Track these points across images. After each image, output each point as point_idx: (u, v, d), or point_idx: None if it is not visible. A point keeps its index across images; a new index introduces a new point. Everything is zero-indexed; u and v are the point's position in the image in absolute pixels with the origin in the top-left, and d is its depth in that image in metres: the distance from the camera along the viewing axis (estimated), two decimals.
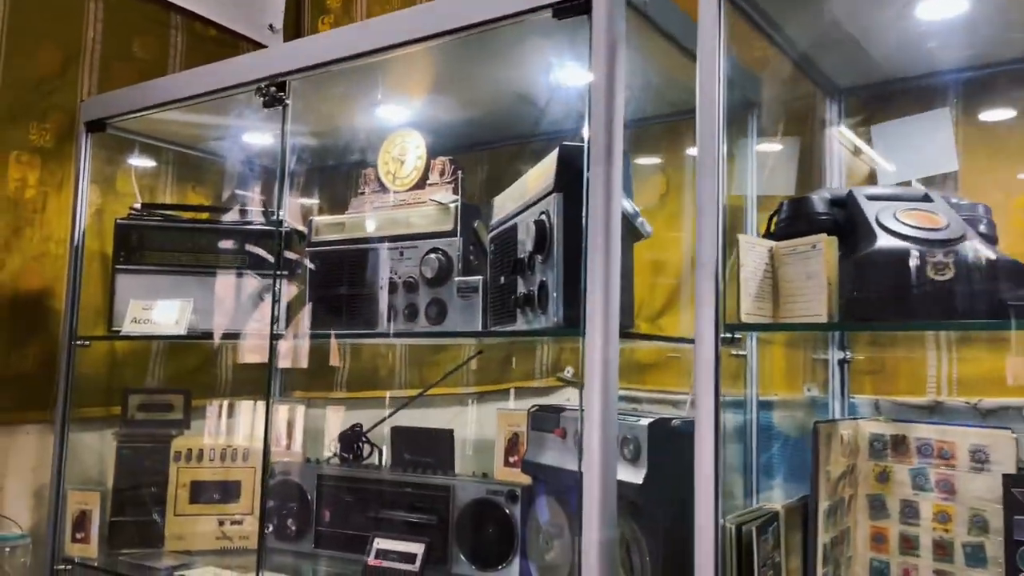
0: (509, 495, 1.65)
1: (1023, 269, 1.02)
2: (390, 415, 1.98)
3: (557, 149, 1.22)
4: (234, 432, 2.05)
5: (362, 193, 1.87)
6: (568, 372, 1.91)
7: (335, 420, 2.22)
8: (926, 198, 1.18)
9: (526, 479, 1.66)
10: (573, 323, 1.19)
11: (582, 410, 1.15)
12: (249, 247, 1.90)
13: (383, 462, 1.95)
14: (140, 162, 2.13)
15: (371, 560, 1.67)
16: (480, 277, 1.59)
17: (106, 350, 2.05)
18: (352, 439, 1.96)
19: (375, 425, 1.98)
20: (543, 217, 1.24)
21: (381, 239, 1.77)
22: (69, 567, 1.80)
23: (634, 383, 1.82)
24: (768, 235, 1.24)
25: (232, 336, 1.90)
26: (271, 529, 1.89)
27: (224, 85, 1.60)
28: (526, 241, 1.33)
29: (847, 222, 1.14)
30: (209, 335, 1.84)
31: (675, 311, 1.78)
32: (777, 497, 1.51)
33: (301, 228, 1.97)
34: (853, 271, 1.05)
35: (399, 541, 1.68)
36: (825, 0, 1.28)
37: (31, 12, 1.95)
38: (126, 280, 1.84)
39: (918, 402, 1.49)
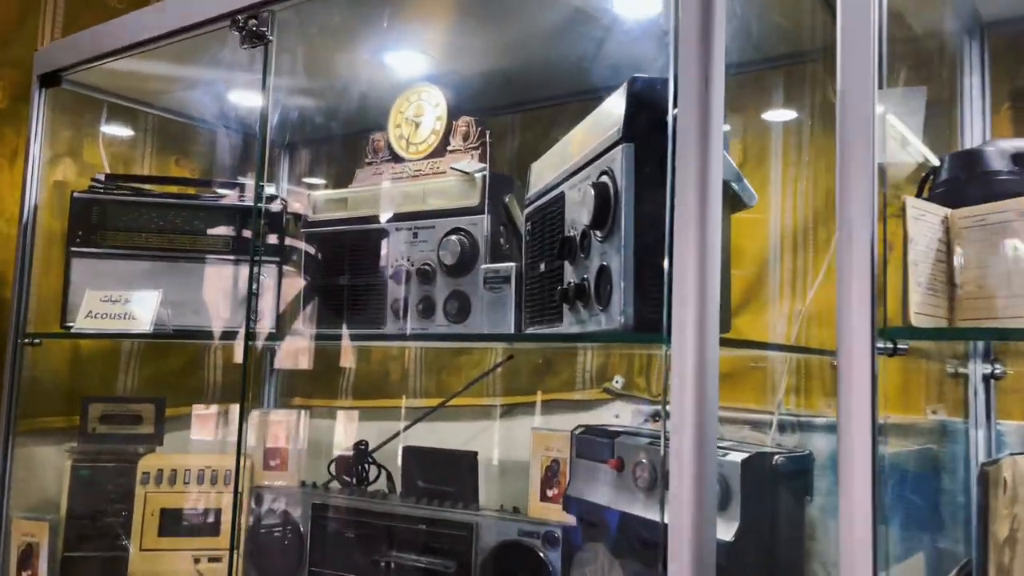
0: (547, 538, 1.32)
1: None
2: (399, 433, 1.65)
3: (626, 85, 0.89)
4: (218, 448, 1.73)
5: (370, 163, 1.54)
6: (618, 382, 1.56)
7: (340, 433, 1.90)
8: None
9: (568, 518, 1.32)
10: (648, 325, 0.85)
11: (665, 440, 0.81)
12: (222, 229, 1.58)
13: (393, 488, 1.62)
14: (111, 129, 1.82)
15: None
16: (513, 264, 1.26)
17: (67, 350, 1.73)
18: (355, 460, 1.63)
19: (382, 444, 1.65)
20: (605, 179, 0.90)
21: (391, 218, 1.44)
22: None
23: None
24: None
25: (209, 335, 1.58)
26: (257, 568, 1.57)
27: (196, 20, 1.28)
28: (579, 214, 0.99)
29: None
30: (184, 333, 1.52)
31: (754, 309, 1.43)
32: (896, 553, 1.16)
33: (297, 207, 1.65)
34: None
35: None
36: None
37: None
38: (83, 266, 1.52)
39: None
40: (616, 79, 1.35)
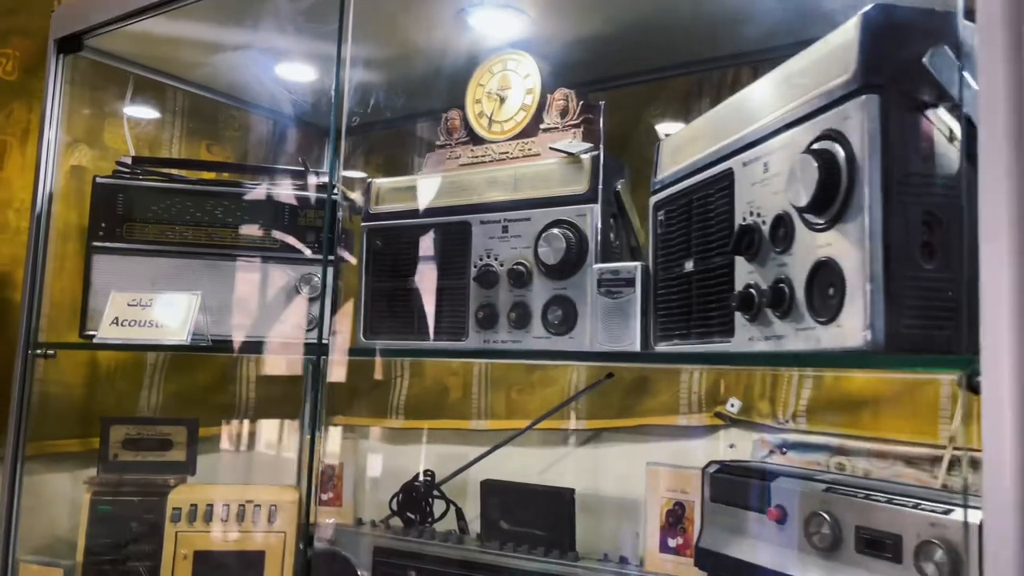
0: None
1: None
2: (474, 462, 1.41)
3: (860, 17, 0.65)
4: (258, 476, 1.50)
5: (442, 145, 1.31)
6: (733, 406, 1.33)
7: (390, 460, 1.66)
8: None
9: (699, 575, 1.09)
10: (904, 342, 0.61)
11: (974, 506, 0.57)
12: (269, 223, 1.35)
13: (465, 527, 1.38)
14: (136, 109, 1.59)
15: None
16: (638, 264, 1.02)
17: (82, 363, 1.50)
18: (420, 494, 1.39)
19: (453, 475, 1.42)
20: (828, 145, 0.66)
21: (473, 208, 1.20)
22: None
23: (839, 425, 1.23)
24: None
25: (255, 346, 1.35)
26: None
27: None
28: (762, 195, 0.76)
29: None
30: (224, 345, 1.28)
31: None
32: None
33: (353, 196, 1.41)
34: None
35: None
36: None
37: None
38: (106, 264, 1.29)
39: None
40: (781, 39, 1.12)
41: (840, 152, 0.65)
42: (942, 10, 0.64)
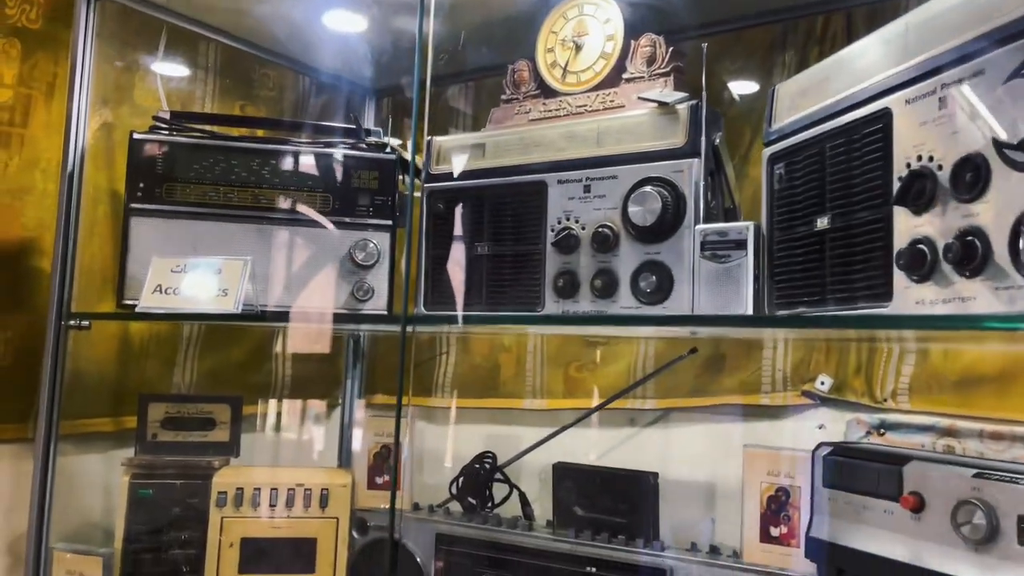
0: None
1: None
2: (541, 443, 1.32)
3: None
4: (298, 458, 1.41)
5: (509, 100, 1.20)
6: (823, 383, 1.22)
7: (436, 443, 1.57)
8: None
9: (801, 567, 0.99)
10: None
11: None
12: (323, 183, 1.24)
13: (529, 513, 1.28)
14: (167, 66, 1.47)
15: None
16: (751, 223, 0.91)
17: (114, 336, 1.40)
18: (481, 478, 1.29)
19: (516, 457, 1.32)
20: None
21: (550, 166, 1.10)
22: None
23: (948, 405, 1.13)
24: None
25: (306, 317, 1.25)
26: None
27: None
28: (938, 137, 0.65)
29: None
30: (276, 316, 1.18)
31: None
32: None
33: (408, 155, 1.31)
34: None
35: None
36: None
37: None
38: (145, 227, 1.18)
39: None
40: None
41: None
42: None
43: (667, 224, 0.99)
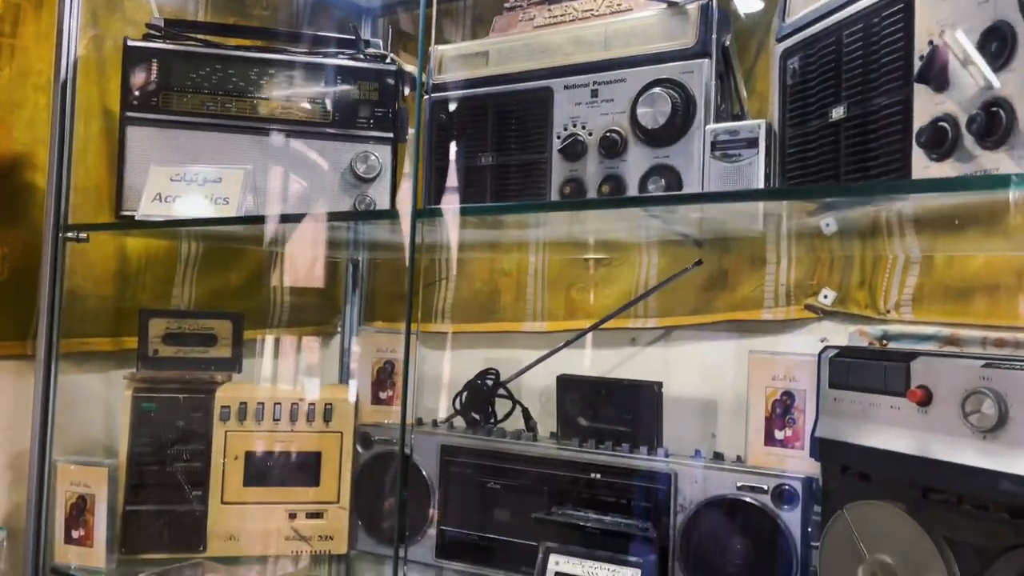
0: (778, 494, 1.00)
1: None
2: (542, 359, 1.32)
3: None
4: (306, 376, 1.41)
5: (512, 7, 1.18)
6: (826, 297, 1.23)
7: (439, 368, 1.56)
8: None
9: (805, 468, 1.00)
10: None
11: None
12: (324, 94, 1.22)
13: (532, 427, 1.29)
14: None
15: None
16: (761, 121, 0.90)
17: (111, 256, 1.38)
18: (486, 393, 1.30)
19: (521, 372, 1.32)
20: None
21: (555, 71, 1.08)
22: None
23: (951, 315, 1.14)
24: None
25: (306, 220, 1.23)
26: (366, 525, 1.26)
27: None
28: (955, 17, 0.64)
29: None
30: (282, 218, 1.16)
31: None
32: None
33: (409, 68, 1.28)
34: None
35: (595, 562, 1.03)
36: None
37: None
38: (141, 137, 1.16)
39: None
40: None
41: None
42: None
43: (676, 126, 0.98)
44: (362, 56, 1.25)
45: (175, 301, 1.47)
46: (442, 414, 1.32)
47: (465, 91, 1.14)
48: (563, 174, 1.06)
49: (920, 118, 0.69)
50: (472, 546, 1.17)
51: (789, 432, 1.03)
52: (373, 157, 1.21)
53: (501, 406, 1.32)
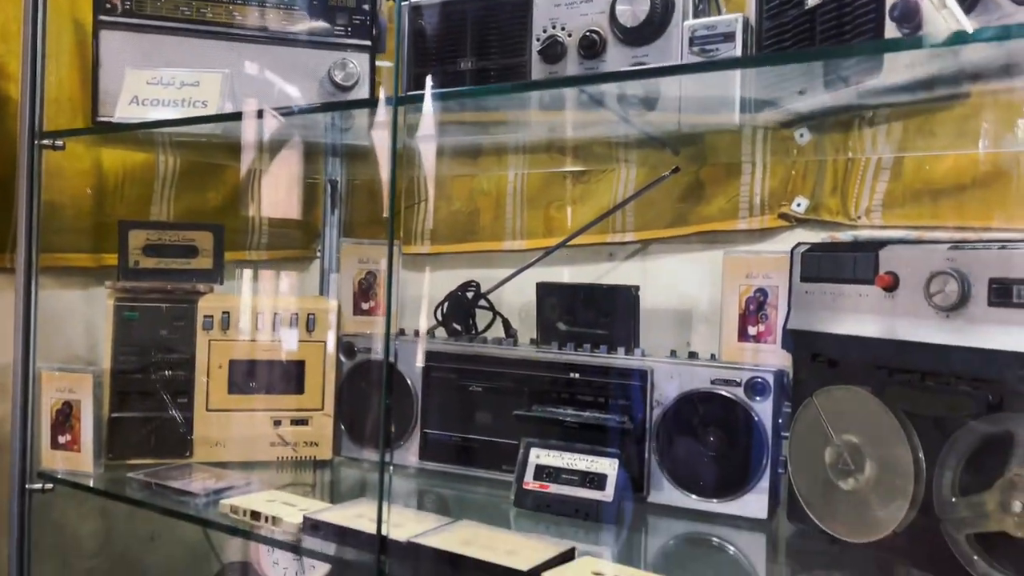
0: (751, 386, 1.03)
1: None
2: (520, 271, 1.34)
3: None
4: (287, 292, 1.41)
5: None
6: (799, 205, 1.25)
7: (420, 289, 1.58)
8: None
9: (777, 362, 1.04)
10: None
11: None
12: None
13: (513, 336, 1.32)
14: None
15: (529, 482, 1.06)
16: (739, 15, 0.91)
17: (88, 172, 1.37)
18: (467, 304, 1.32)
19: (501, 284, 1.34)
20: None
21: None
22: (49, 486, 1.18)
23: (921, 218, 1.17)
24: None
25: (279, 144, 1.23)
26: (350, 432, 1.28)
27: None
28: None
29: None
30: (260, 113, 1.16)
31: None
32: None
33: None
34: None
35: (574, 455, 1.06)
36: None
37: None
38: (115, 41, 1.14)
39: None
40: None
41: None
42: None
43: (656, 23, 0.98)
44: None
45: (154, 219, 1.47)
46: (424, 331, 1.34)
47: None
48: (543, 77, 1.06)
49: None
50: (455, 447, 1.20)
51: (762, 328, 1.06)
52: (352, 64, 1.20)
53: (482, 319, 1.35)
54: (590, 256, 1.46)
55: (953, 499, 0.82)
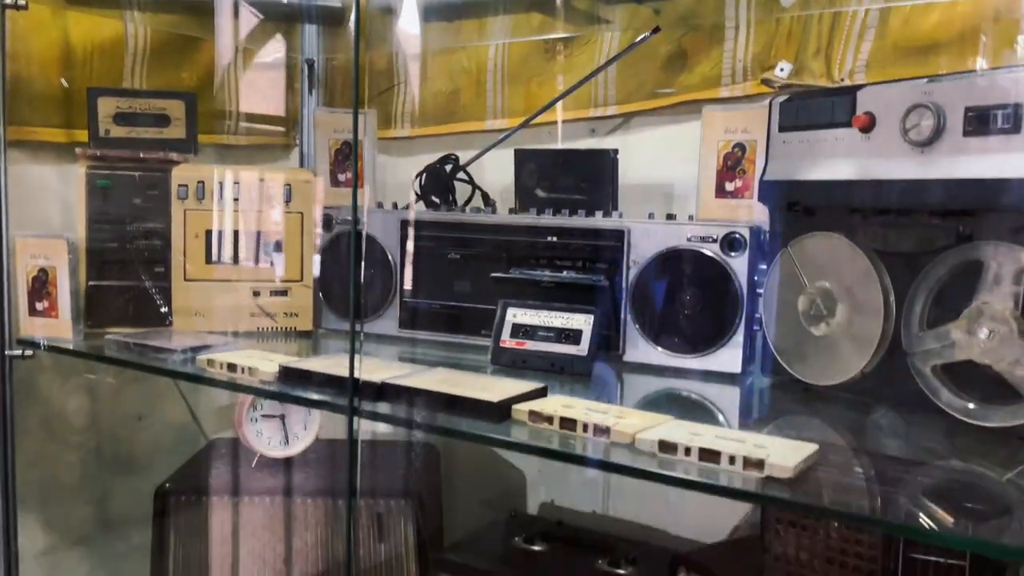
0: (727, 241, 1.03)
1: None
2: (498, 142, 1.32)
3: None
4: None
5: None
6: (782, 70, 1.23)
7: (402, 173, 1.56)
8: None
9: (754, 218, 1.03)
10: None
11: None
12: None
13: (492, 207, 1.31)
14: None
15: (506, 340, 1.07)
16: None
17: (56, 42, 1.33)
18: (445, 176, 1.30)
19: (479, 155, 1.32)
20: None
21: None
22: (29, 352, 1.19)
23: (899, 75, 1.15)
24: None
25: None
26: (330, 304, 1.28)
27: None
28: None
29: None
30: None
31: None
32: None
33: None
34: None
35: (550, 312, 1.07)
36: None
37: None
38: None
39: None
40: None
41: None
42: None
43: None
44: None
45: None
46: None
47: None
48: None
49: None
50: (434, 315, 1.21)
51: (739, 183, 1.06)
52: None
53: (462, 196, 1.34)
54: (572, 132, 1.44)
55: (921, 333, 0.83)
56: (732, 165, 1.06)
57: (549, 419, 0.79)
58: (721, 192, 1.06)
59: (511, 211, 1.24)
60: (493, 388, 0.87)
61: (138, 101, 1.24)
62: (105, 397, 1.50)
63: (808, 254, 0.94)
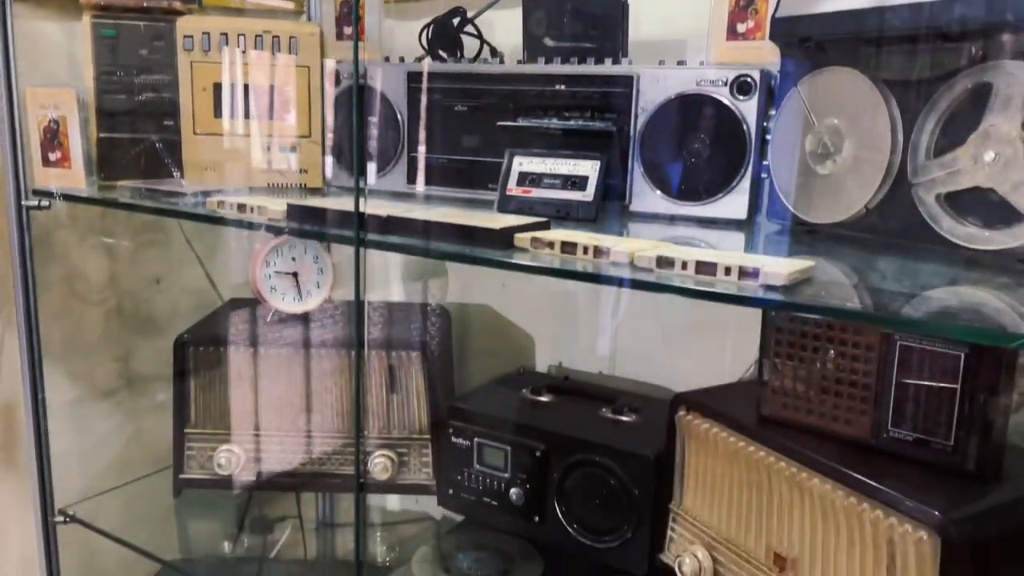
0: (736, 84, 1.01)
1: None
2: None
3: None
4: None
5: None
6: None
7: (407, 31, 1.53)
8: None
9: (766, 60, 1.01)
10: None
11: None
12: None
13: (500, 61, 1.29)
14: None
15: (512, 188, 1.07)
16: None
17: None
18: (452, 29, 1.28)
19: (488, 6, 1.30)
20: None
21: None
22: (46, 204, 1.21)
23: None
24: None
25: None
26: (341, 162, 1.29)
27: None
28: None
29: None
30: None
31: None
32: None
33: None
34: None
35: (557, 160, 1.07)
36: None
37: None
38: None
39: None
40: None
41: None
42: None
43: None
44: None
45: None
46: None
47: None
48: None
49: None
50: (442, 169, 1.21)
51: (751, 23, 1.03)
52: None
53: (470, 51, 1.31)
54: None
55: (927, 162, 0.82)
56: (745, 5, 1.03)
57: (551, 244, 0.80)
58: (732, 34, 1.04)
59: (519, 63, 1.22)
60: (497, 221, 0.88)
61: None
62: (123, 259, 1.53)
63: (819, 91, 0.93)
